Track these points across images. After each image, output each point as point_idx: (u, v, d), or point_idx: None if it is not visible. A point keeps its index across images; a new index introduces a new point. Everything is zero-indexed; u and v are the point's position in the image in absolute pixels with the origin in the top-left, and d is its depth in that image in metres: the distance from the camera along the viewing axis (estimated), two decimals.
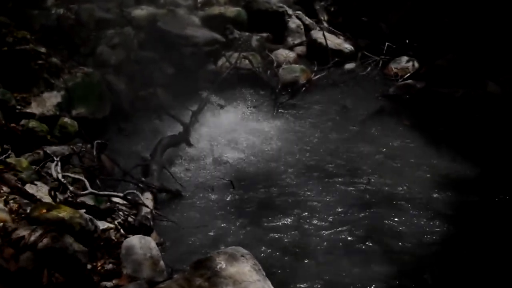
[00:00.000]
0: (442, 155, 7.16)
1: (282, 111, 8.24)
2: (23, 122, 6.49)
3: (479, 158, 7.05)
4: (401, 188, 6.48)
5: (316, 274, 5.19)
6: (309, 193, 6.40)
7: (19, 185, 5.34)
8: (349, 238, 5.67)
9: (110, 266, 4.77)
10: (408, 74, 9.24)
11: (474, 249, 5.56)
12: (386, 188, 6.49)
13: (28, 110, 6.66)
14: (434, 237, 5.70)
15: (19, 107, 6.63)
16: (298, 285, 5.08)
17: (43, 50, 7.23)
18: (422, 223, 5.90)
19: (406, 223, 5.89)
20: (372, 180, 6.63)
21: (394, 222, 5.91)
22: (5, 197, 5.08)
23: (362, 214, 6.03)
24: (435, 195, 6.36)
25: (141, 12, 8.78)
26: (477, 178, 6.73)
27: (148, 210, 5.68)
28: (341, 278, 5.15)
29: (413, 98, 8.65)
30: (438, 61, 8.93)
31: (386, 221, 5.92)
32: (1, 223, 4.63)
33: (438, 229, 5.82)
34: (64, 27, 7.83)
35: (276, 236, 5.68)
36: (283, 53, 9.52)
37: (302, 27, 10.17)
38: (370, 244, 5.59)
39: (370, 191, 6.44)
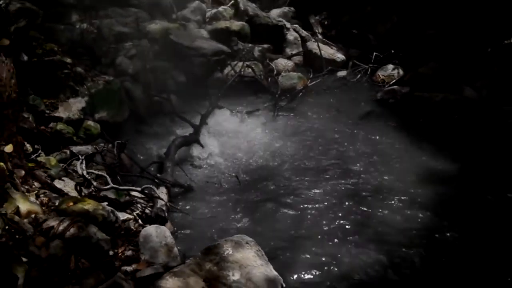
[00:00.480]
0: (424, 153, 7.16)
1: (282, 114, 8.25)
2: (51, 125, 6.52)
3: (458, 155, 7.06)
4: (388, 183, 6.50)
5: (313, 259, 5.21)
6: (306, 187, 6.41)
7: (49, 181, 5.36)
8: (342, 227, 5.68)
9: (129, 252, 4.78)
10: (394, 81, 9.24)
11: (453, 236, 5.57)
12: (375, 182, 6.51)
13: (56, 114, 6.69)
14: (418, 226, 5.71)
15: (48, 111, 6.65)
16: (297, 268, 5.09)
17: (68, 60, 7.24)
18: (408, 213, 5.91)
19: (393, 213, 5.91)
20: (363, 175, 6.64)
21: (382, 212, 5.92)
22: (36, 191, 5.10)
23: (354, 206, 6.04)
24: (418, 188, 6.36)
25: (155, 26, 8.78)
26: (456, 173, 6.74)
27: (163, 202, 5.70)
28: (335, 261, 5.17)
29: (398, 102, 8.65)
30: (421, 69, 8.93)
31: (375, 212, 5.94)
32: (33, 215, 4.66)
33: (421, 219, 5.83)
34: (87, 40, 7.84)
35: (278, 225, 5.70)
36: (282, 62, 9.52)
37: (299, 39, 10.17)
38: (361, 232, 5.60)
39: (361, 186, 6.44)
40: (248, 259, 4.59)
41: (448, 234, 5.59)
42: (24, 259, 4.01)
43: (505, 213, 5.85)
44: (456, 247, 5.39)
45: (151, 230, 4.89)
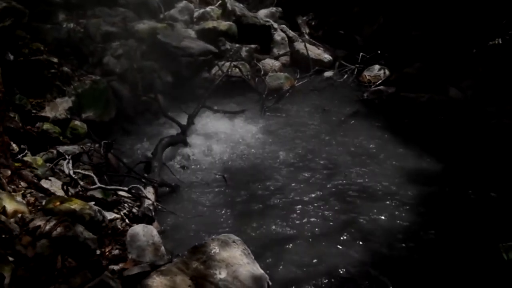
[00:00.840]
0: (410, 152, 7.21)
1: (269, 114, 8.28)
2: (38, 124, 6.51)
3: (442, 155, 7.12)
4: (373, 182, 6.54)
5: (299, 257, 5.24)
6: (293, 186, 6.44)
7: (35, 181, 5.36)
8: (328, 226, 5.72)
9: (116, 251, 4.79)
10: (380, 81, 9.29)
11: (437, 234, 5.63)
12: (360, 181, 6.55)
13: (42, 114, 6.68)
14: (402, 224, 5.76)
15: (34, 111, 6.64)
16: (283, 267, 5.12)
17: (55, 60, 7.23)
18: (393, 212, 5.96)
19: (378, 212, 5.95)
20: (348, 174, 6.68)
21: (367, 211, 5.96)
22: (22, 191, 5.10)
23: (339, 204, 6.08)
24: (403, 188, 6.41)
25: (143, 26, 8.78)
26: (440, 172, 6.80)
27: (150, 202, 5.71)
28: (321, 260, 5.21)
29: (384, 102, 8.70)
30: (406, 69, 8.99)
31: (360, 210, 5.97)
32: (20, 214, 4.66)
33: (406, 217, 5.88)
34: (74, 39, 7.83)
35: (264, 224, 5.72)
36: (269, 62, 9.56)
37: (286, 39, 10.21)
38: (347, 230, 5.63)
39: (346, 185, 6.48)
40: (235, 257, 4.62)
41: (432, 232, 5.64)
42: (10, 259, 4.01)
43: (486, 211, 5.92)
44: (439, 245, 5.45)
45: (138, 229, 4.90)
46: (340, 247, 5.40)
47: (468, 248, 5.27)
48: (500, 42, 8.93)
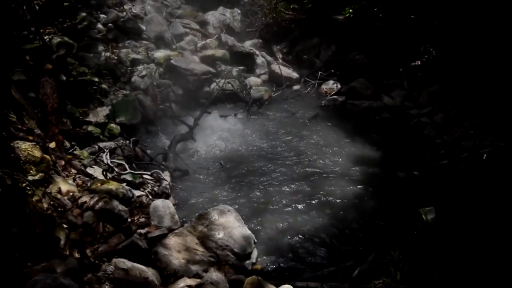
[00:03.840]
0: (356, 144, 7.25)
1: (253, 117, 8.25)
2: (84, 127, 6.46)
3: (379, 144, 7.17)
4: (330, 165, 6.57)
5: (276, 221, 5.29)
6: (272, 169, 6.46)
7: (82, 168, 5.34)
8: (297, 197, 5.76)
9: (143, 219, 4.80)
10: (334, 92, 9.26)
11: (376, 200, 5.74)
12: (320, 165, 6.58)
13: (87, 119, 6.64)
14: (351, 196, 5.83)
15: (81, 117, 6.60)
16: (265, 228, 5.16)
17: (96, 79, 7.19)
18: (344, 187, 6.01)
19: (333, 187, 6.00)
20: (311, 160, 6.70)
21: (326, 187, 6.01)
22: (73, 176, 5.08)
23: (306, 181, 6.12)
24: (351, 169, 6.46)
25: (160, 53, 8.72)
26: (377, 156, 6.87)
27: (167, 182, 5.70)
28: (292, 222, 5.27)
29: (337, 108, 8.68)
30: (353, 83, 8.98)
31: (321, 187, 6.02)
32: (71, 193, 4.64)
33: (353, 190, 5.95)
34: (110, 64, 7.76)
35: (251, 198, 5.74)
36: (253, 79, 9.50)
37: (265, 62, 10.14)
38: (311, 201, 5.69)
39: (310, 167, 6.52)
40: (230, 222, 4.64)
41: (372, 200, 5.75)
42: (65, 226, 3.99)
43: (411, 185, 6.01)
44: (378, 209, 5.55)
45: (158, 202, 4.91)
46: (307, 212, 5.47)
47: (398, 212, 5.34)
48: (419, 63, 9.00)
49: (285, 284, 3.79)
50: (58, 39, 7.29)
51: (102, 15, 8.92)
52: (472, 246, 2.89)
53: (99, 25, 8.69)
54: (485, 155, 5.14)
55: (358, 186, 6.01)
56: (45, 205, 4.07)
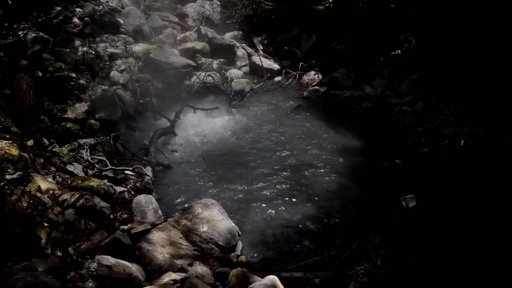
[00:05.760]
0: (338, 133, 7.32)
1: (235, 109, 8.26)
2: (62, 124, 6.39)
3: (361, 133, 7.27)
4: (313, 154, 6.64)
5: (261, 213, 5.33)
6: (255, 161, 6.49)
7: (62, 166, 5.29)
8: (282, 188, 5.83)
9: (125, 215, 4.79)
10: (315, 83, 9.32)
11: (360, 188, 5.84)
12: (304, 155, 6.64)
13: (65, 116, 6.56)
14: (335, 185, 5.91)
15: (59, 114, 6.52)
16: (249, 221, 5.20)
17: (73, 75, 7.10)
18: (328, 176, 6.09)
19: (318, 177, 6.08)
20: (295, 151, 6.75)
21: (310, 177, 6.08)
22: (53, 174, 5.04)
23: (289, 172, 6.18)
24: (335, 159, 6.53)
25: (139, 47, 8.63)
26: (360, 145, 6.97)
27: (149, 177, 5.70)
28: (277, 214, 5.33)
29: (319, 98, 8.75)
30: (334, 74, 9.03)
31: (305, 176, 6.10)
32: (51, 191, 4.60)
33: (338, 180, 6.04)
34: (87, 59, 7.66)
35: (234, 190, 5.77)
36: (234, 72, 9.49)
37: (246, 54, 10.14)
38: (296, 192, 5.76)
39: (294, 158, 6.57)
40: (213, 215, 4.67)
41: (356, 189, 5.84)
42: (45, 224, 3.97)
43: (392, 173, 6.10)
44: (362, 197, 5.64)
45: (141, 198, 4.90)
46: (291, 203, 5.52)
47: (381, 199, 5.43)
48: (399, 52, 9.10)
49: (270, 275, 3.84)
50: (33, 34, 7.18)
51: (78, 9, 8.79)
52: (450, 230, 2.98)
53: (75, 19, 8.56)
54: (462, 141, 5.25)
55: (342, 176, 6.09)
56: (25, 204, 4.04)
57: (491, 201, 3.20)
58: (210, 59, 9.37)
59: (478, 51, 7.19)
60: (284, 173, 6.14)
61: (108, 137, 6.46)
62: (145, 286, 3.71)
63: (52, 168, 5.14)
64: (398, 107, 7.68)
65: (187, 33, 10.15)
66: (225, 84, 8.95)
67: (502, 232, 2.93)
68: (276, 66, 10.06)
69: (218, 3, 11.83)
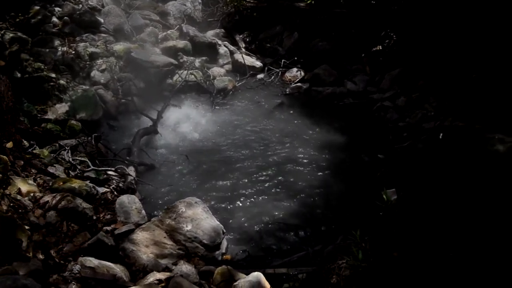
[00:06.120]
0: (320, 129, 7.37)
1: (218, 107, 8.25)
2: (43, 125, 6.30)
3: (343, 129, 7.33)
4: (296, 152, 6.67)
5: (245, 211, 5.35)
6: (238, 159, 6.50)
7: (43, 167, 5.24)
8: (265, 185, 5.84)
9: (108, 216, 4.77)
10: (298, 80, 9.35)
11: (343, 183, 5.90)
12: (287, 152, 6.66)
13: (46, 117, 6.47)
14: (319, 181, 5.95)
15: (39, 115, 6.42)
16: (233, 218, 5.21)
17: (53, 75, 7.00)
18: (311, 172, 6.13)
19: (300, 174, 6.12)
20: (278, 147, 6.78)
21: (294, 173, 6.10)
22: (33, 176, 4.99)
23: (273, 170, 6.19)
24: (318, 155, 6.58)
25: (120, 46, 8.57)
26: (342, 141, 7.02)
27: (132, 178, 5.67)
28: (261, 211, 5.34)
29: (302, 95, 8.79)
30: (316, 70, 9.08)
31: (289, 172, 6.13)
32: (32, 193, 4.56)
33: (320, 176, 6.08)
34: (67, 59, 7.58)
35: (218, 189, 5.78)
36: (216, 70, 9.47)
37: (228, 52, 10.12)
38: (280, 187, 5.80)
39: (277, 155, 6.59)
40: (197, 214, 4.67)
41: (339, 185, 5.87)
42: (27, 227, 3.93)
43: (374, 168, 6.18)
44: (345, 192, 5.70)
45: (124, 198, 4.89)
46: (275, 200, 5.55)
47: (363, 193, 5.49)
48: (380, 48, 9.19)
49: (255, 271, 3.86)
50: (11, 35, 7.06)
51: (57, 8, 8.68)
52: (429, 223, 3.04)
53: (54, 19, 8.46)
54: (441, 135, 5.35)
55: (325, 172, 6.14)
56: (4, 207, 4.00)
57: (469, 193, 3.27)
58: (192, 58, 9.34)
59: (457, 46, 7.31)
60: (268, 170, 6.17)
61: (89, 138, 6.40)
62: (130, 286, 3.70)
63: (33, 170, 5.09)
64: (379, 103, 7.77)
65: (169, 32, 10.11)
66: (207, 82, 8.92)
67: (480, 223, 3.00)
68: (258, 64, 10.07)
69: (200, 0, 11.79)
